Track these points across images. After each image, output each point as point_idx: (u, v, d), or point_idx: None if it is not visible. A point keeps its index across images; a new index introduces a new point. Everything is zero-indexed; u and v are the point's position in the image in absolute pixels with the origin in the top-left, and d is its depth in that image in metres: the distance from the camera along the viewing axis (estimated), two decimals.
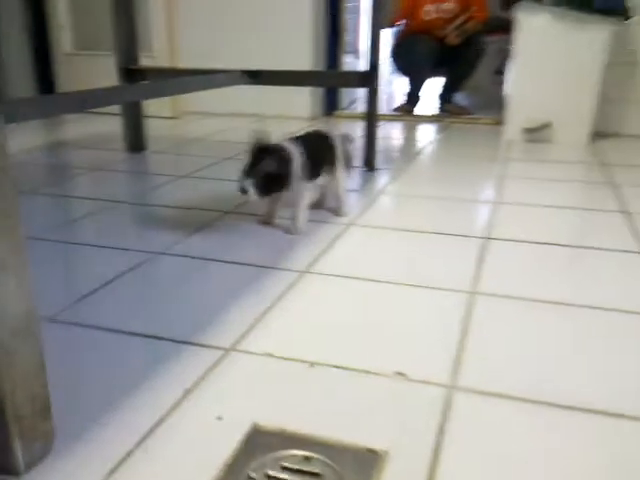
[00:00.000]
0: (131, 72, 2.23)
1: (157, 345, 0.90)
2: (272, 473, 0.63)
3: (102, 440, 0.68)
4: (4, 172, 0.56)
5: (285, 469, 0.64)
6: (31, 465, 0.63)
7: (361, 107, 2.80)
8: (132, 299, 1.08)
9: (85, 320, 0.97)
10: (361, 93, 3.83)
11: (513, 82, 2.67)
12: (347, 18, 3.64)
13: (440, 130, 3.12)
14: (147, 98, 1.97)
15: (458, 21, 3.28)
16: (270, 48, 3.15)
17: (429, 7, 3.37)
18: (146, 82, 1.94)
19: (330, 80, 2.61)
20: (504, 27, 3.05)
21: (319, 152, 1.44)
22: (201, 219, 1.52)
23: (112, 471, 0.63)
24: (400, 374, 0.82)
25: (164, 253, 1.28)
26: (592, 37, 2.46)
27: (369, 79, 1.98)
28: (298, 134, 1.48)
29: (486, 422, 0.73)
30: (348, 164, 1.59)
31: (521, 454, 0.67)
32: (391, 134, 3.04)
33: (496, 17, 3.51)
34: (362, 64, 4.11)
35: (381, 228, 1.50)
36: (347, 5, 3.57)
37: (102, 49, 3.20)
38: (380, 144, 2.53)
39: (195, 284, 1.15)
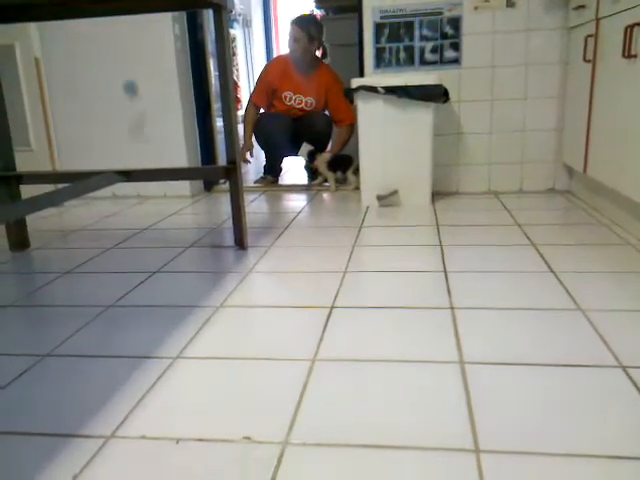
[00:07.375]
0: (7, 179, 2.38)
1: (46, 440, 1.09)
2: None
3: None
4: None
5: None
6: None
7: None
8: (24, 401, 1.25)
9: None
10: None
11: (361, 157, 3.09)
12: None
13: (308, 199, 3.47)
14: (28, 213, 2.13)
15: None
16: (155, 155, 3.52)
17: (289, 93, 3.77)
18: (26, 200, 2.06)
19: (197, 174, 2.89)
20: None
21: None
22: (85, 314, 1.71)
23: None
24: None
25: (50, 355, 1.46)
26: (419, 116, 2.94)
27: (231, 173, 2.28)
28: None
29: None
30: None
31: None
32: (262, 207, 3.33)
33: None
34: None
35: (250, 307, 1.76)
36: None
37: None
38: (251, 219, 2.82)
39: (80, 380, 1.35)
